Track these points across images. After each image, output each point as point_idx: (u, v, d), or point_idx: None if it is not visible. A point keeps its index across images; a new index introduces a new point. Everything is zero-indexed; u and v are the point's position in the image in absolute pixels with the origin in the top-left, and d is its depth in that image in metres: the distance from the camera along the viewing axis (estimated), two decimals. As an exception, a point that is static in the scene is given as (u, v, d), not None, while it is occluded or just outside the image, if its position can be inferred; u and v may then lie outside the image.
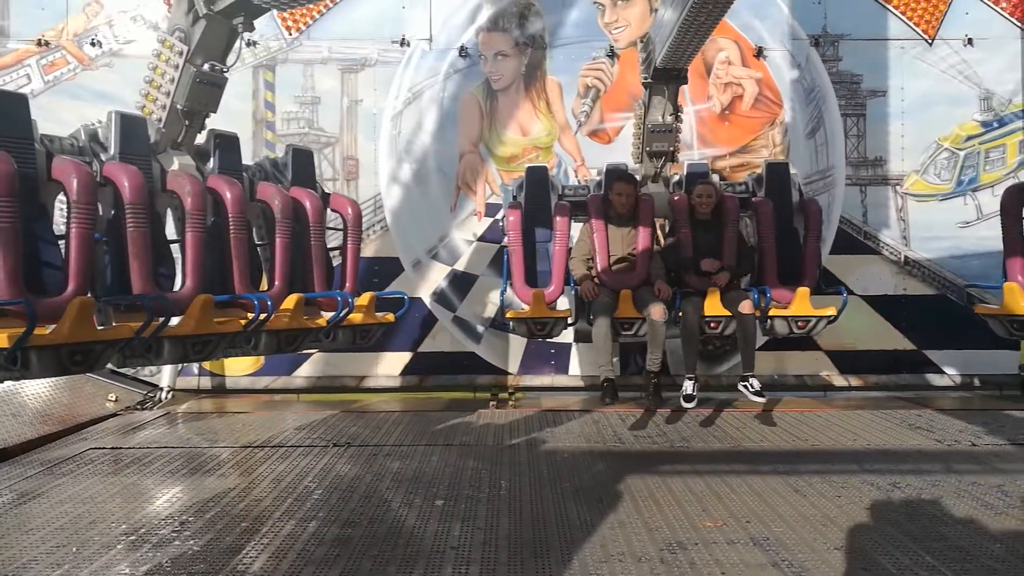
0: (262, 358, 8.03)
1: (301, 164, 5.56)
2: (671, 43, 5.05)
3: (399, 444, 5.81)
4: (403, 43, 8.02)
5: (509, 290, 6.11)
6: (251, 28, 5.07)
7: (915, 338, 7.92)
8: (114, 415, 6.96)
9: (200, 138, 5.07)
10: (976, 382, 7.98)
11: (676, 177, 6.42)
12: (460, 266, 8.11)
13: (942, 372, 7.98)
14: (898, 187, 8.03)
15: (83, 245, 3.84)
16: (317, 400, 7.90)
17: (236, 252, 4.69)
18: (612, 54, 8.03)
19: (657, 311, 5.63)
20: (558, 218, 6.09)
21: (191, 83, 4.76)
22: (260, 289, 5.02)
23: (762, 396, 5.78)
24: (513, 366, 8.09)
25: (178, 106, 4.78)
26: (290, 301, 4.77)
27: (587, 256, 6.04)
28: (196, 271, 4.41)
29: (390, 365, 8.10)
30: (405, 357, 8.09)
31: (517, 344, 8.07)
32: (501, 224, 6.37)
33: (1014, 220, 4.99)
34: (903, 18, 8.01)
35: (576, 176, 8.05)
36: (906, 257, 7.99)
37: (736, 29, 8.03)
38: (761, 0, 8.03)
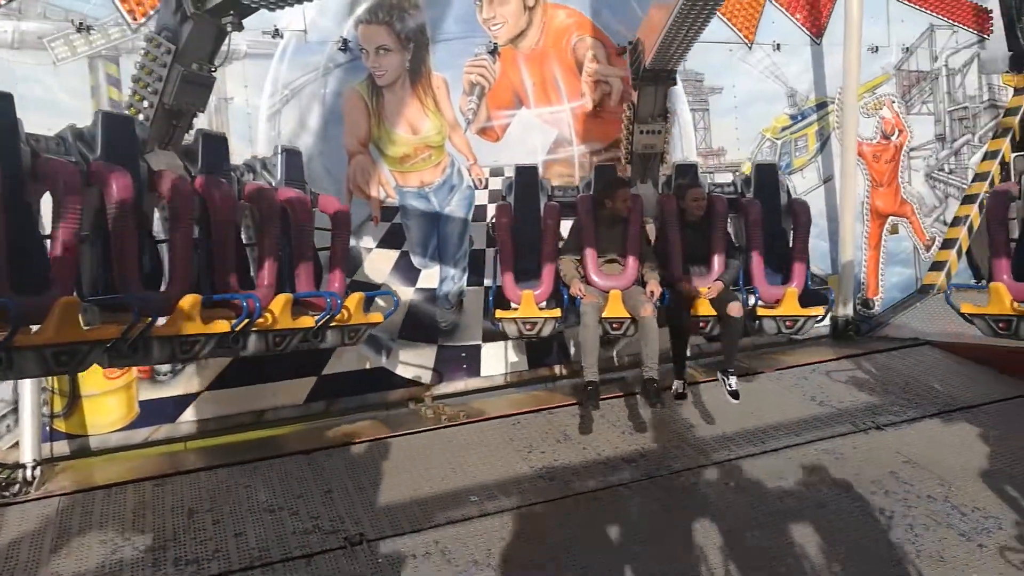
0: (136, 407, 6.78)
1: (290, 164, 5.44)
2: (660, 45, 5.18)
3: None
4: (276, 34, 7.12)
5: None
6: (240, 28, 4.77)
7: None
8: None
9: (188, 138, 4.98)
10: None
11: (664, 178, 6.54)
12: (359, 276, 7.54)
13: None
14: (736, 172, 9.14)
15: (69, 245, 3.82)
16: (211, 446, 6.85)
17: (224, 252, 4.65)
18: (494, 51, 7.96)
19: (647, 310, 5.72)
20: (548, 219, 5.99)
21: (179, 82, 4.64)
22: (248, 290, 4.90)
23: (737, 396, 6.15)
24: (425, 376, 7.78)
25: (166, 105, 4.67)
26: (278, 301, 4.76)
27: (576, 256, 6.00)
28: (183, 271, 4.39)
29: (292, 393, 7.30)
30: (308, 383, 7.35)
31: (426, 353, 7.78)
32: (490, 225, 6.14)
33: (998, 222, 5.09)
34: (729, 24, 9.07)
35: (470, 175, 7.90)
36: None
37: (600, 28, 8.44)
38: (619, 1, 8.49)
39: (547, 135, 8.23)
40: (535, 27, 8.15)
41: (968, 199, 10.31)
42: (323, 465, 6.07)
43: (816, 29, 9.50)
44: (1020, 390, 7.60)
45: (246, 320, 4.41)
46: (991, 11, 10.53)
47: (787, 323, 5.94)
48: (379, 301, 6.85)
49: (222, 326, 4.36)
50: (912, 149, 10.10)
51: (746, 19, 9.13)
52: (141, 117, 4.65)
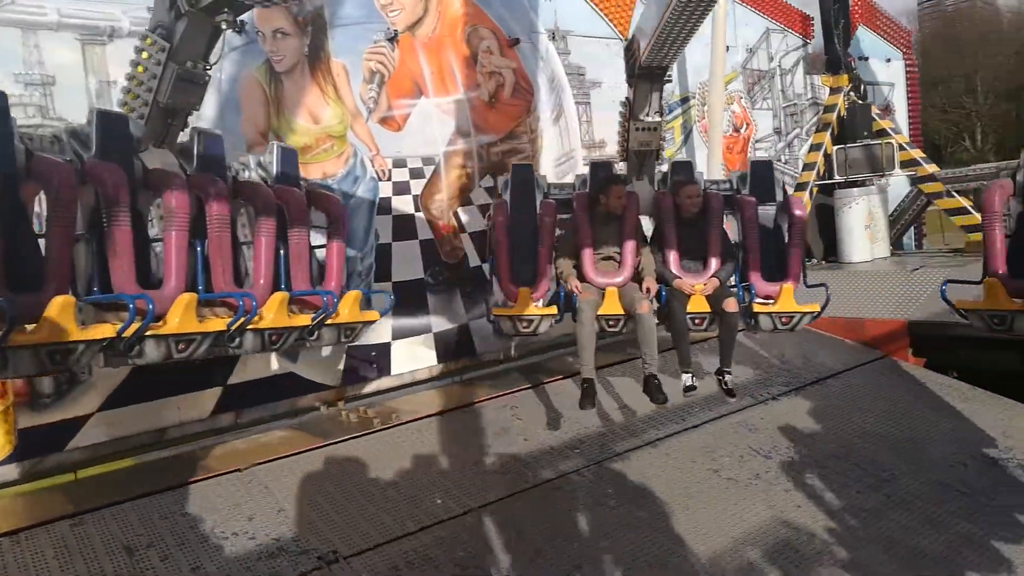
0: (13, 438, 5.87)
1: (285, 162, 5.39)
2: (654, 41, 5.18)
3: None
4: (164, 11, 6.38)
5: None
6: (234, 26, 4.73)
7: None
8: None
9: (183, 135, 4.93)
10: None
11: (659, 175, 6.45)
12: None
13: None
14: (615, 164, 9.53)
15: (64, 244, 3.83)
16: (108, 473, 6.09)
17: (219, 250, 4.63)
18: (393, 38, 7.69)
19: (644, 306, 5.62)
20: (544, 216, 5.87)
21: (174, 80, 4.60)
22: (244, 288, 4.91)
23: (734, 395, 6.04)
24: (335, 378, 7.42)
25: (161, 104, 4.63)
26: (274, 300, 4.77)
27: (573, 254, 5.88)
28: (179, 270, 4.38)
29: (197, 406, 6.66)
30: (214, 394, 6.75)
31: (335, 354, 7.41)
32: (488, 224, 5.93)
33: (994, 217, 4.99)
34: (606, 19, 9.42)
35: (373, 166, 7.61)
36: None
37: (492, 19, 8.43)
38: (510, -7, 8.54)
39: (446, 125, 8.12)
40: (431, 15, 7.98)
41: (800, 187, 11.53)
42: (264, 482, 5.65)
43: (678, 28, 10.12)
44: (871, 355, 8.75)
45: (242, 319, 4.41)
46: (813, 17, 11.82)
47: (783, 319, 5.91)
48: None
49: (218, 324, 4.35)
50: (757, 141, 11.13)
51: (620, 15, 9.54)
52: (135, 115, 4.61)
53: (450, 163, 8.09)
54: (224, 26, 4.61)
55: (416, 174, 7.90)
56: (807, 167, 11.64)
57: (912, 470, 6.35)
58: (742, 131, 10.92)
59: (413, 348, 7.89)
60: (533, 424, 6.71)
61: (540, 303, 5.97)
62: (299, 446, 6.20)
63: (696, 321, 5.88)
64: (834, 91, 11.92)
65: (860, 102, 11.67)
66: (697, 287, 5.88)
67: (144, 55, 4.55)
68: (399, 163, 7.78)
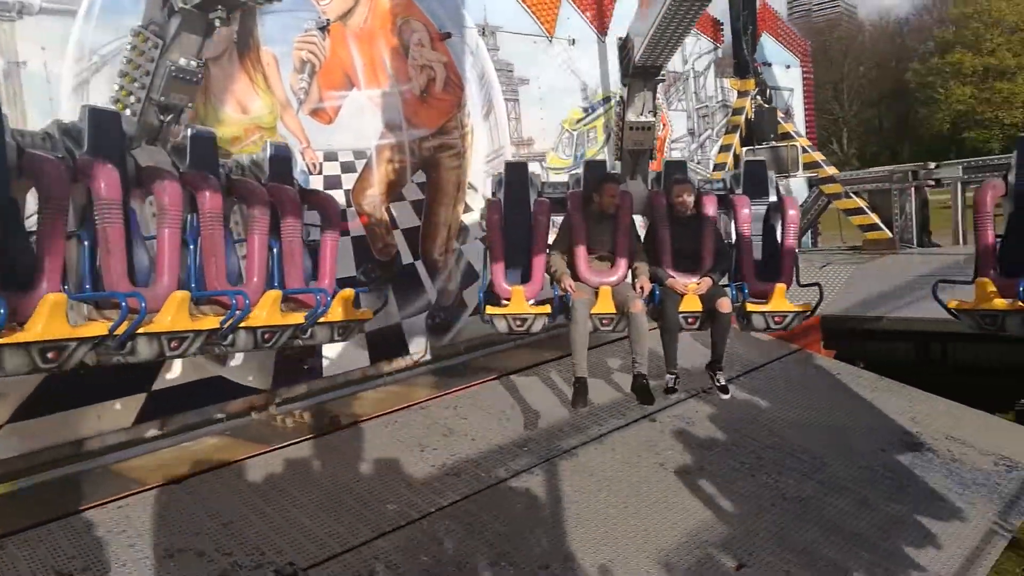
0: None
1: (278, 160, 5.41)
2: (649, 41, 5.15)
3: None
4: (77, -13, 5.89)
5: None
6: (228, 23, 4.93)
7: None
8: None
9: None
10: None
11: (653, 174, 6.34)
12: (188, 274, 6.59)
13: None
14: (543, 162, 9.59)
15: (55, 241, 3.81)
16: (20, 490, 5.57)
17: (212, 248, 4.63)
18: (324, 27, 7.39)
19: (637, 305, 5.58)
20: (538, 215, 5.75)
21: (167, 77, 4.60)
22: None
23: (727, 392, 6.02)
24: (265, 381, 7.07)
25: (153, 101, 4.64)
26: (267, 297, 4.74)
27: (566, 252, 5.79)
28: (172, 267, 4.38)
29: (119, 415, 6.19)
30: (137, 400, 6.29)
31: (265, 356, 7.06)
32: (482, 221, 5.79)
33: (985, 216, 4.95)
34: (533, 16, 9.42)
35: (304, 160, 7.29)
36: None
37: (423, 12, 8.26)
38: (441, -16, 8.40)
39: (378, 119, 7.89)
40: (363, 4, 7.72)
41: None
42: (204, 494, 5.30)
43: (601, 27, 10.28)
44: (787, 348, 9.18)
45: (235, 316, 4.42)
46: (723, 23, 12.28)
47: (775, 319, 5.83)
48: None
49: (211, 322, 4.33)
50: (673, 142, 11.44)
51: (547, 13, 9.58)
52: (128, 112, 4.61)
53: (382, 157, 7.88)
54: (218, 23, 4.60)
55: (347, 168, 7.64)
56: (717, 167, 12.09)
57: (840, 457, 6.70)
58: (659, 132, 11.20)
59: (345, 348, 7.63)
60: (479, 423, 6.63)
61: (534, 301, 5.80)
62: (236, 454, 5.87)
63: (689, 320, 5.83)
64: (742, 94, 12.44)
65: (766, 106, 12.23)
66: (690, 286, 5.80)
67: (137, 52, 4.52)
68: (330, 156, 7.50)
